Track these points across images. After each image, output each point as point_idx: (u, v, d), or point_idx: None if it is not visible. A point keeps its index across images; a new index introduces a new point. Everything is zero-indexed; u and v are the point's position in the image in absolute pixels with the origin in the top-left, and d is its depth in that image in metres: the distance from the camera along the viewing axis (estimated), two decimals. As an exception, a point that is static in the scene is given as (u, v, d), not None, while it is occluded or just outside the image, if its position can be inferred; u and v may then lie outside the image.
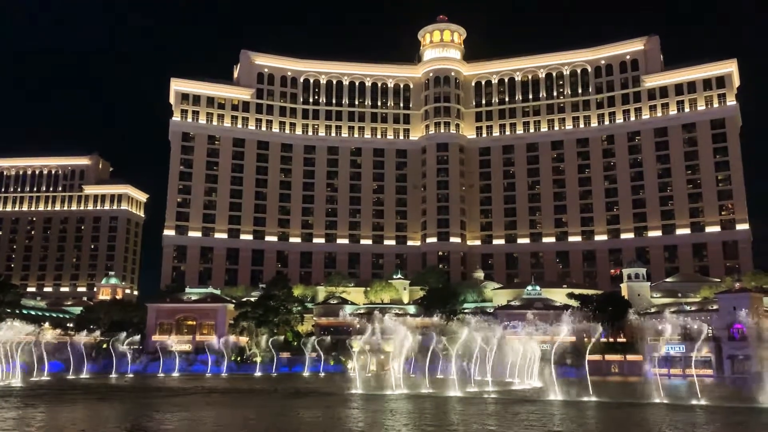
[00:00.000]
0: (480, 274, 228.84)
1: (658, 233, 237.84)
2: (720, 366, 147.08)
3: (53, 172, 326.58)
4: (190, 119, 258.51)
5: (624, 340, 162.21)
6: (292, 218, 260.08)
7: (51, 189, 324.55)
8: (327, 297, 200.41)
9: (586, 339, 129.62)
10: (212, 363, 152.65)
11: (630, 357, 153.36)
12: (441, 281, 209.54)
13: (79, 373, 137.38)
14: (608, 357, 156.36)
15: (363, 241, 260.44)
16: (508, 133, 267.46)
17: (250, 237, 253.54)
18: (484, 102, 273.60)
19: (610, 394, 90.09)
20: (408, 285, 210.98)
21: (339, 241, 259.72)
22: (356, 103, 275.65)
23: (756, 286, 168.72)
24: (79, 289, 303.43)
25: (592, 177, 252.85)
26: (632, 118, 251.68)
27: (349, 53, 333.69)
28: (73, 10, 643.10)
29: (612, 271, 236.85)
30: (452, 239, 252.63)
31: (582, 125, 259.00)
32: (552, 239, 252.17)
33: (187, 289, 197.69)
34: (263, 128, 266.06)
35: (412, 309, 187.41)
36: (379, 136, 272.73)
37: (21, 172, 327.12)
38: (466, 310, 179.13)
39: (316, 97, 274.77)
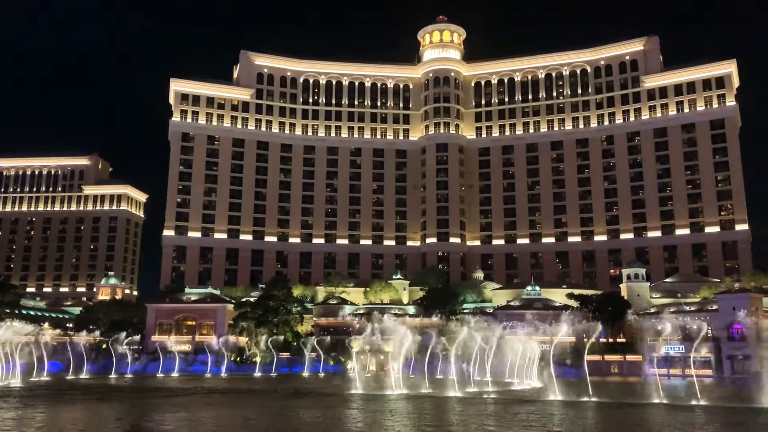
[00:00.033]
0: (479, 275, 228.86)
1: (657, 233, 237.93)
2: (719, 366, 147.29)
3: (53, 172, 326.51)
4: (189, 119, 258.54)
5: (623, 340, 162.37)
6: (291, 218, 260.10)
7: (50, 189, 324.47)
8: (326, 297, 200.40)
9: (585, 339, 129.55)
10: (212, 363, 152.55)
11: (629, 357, 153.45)
12: (440, 281, 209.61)
13: (78, 373, 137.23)
14: (608, 357, 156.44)
15: (362, 242, 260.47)
16: (507, 133, 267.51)
17: (249, 237, 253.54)
18: (483, 102, 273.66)
19: (609, 394, 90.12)
20: (407, 285, 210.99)
21: (338, 241, 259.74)
22: (356, 103, 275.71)
23: (755, 287, 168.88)
24: (79, 290, 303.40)
25: (592, 177, 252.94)
26: (632, 119, 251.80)
27: (349, 53, 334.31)
28: (73, 10, 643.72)
29: (611, 271, 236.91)
30: (452, 239, 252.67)
31: (581, 125, 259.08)
32: (551, 239, 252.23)
33: (187, 290, 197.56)
34: (263, 128, 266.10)
35: (411, 309, 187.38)
36: (378, 137, 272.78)
37: (20, 172, 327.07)
38: (465, 311, 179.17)
39: (316, 98, 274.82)
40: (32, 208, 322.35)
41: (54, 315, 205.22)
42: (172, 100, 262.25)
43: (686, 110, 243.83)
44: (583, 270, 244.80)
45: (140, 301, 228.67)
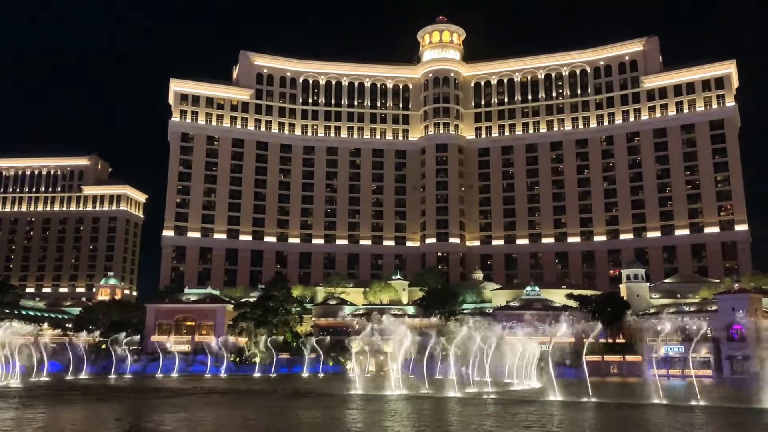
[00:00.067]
0: (479, 275, 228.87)
1: (657, 234, 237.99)
2: (719, 366, 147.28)
3: (52, 172, 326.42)
4: (189, 120, 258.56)
5: (623, 340, 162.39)
6: (291, 219, 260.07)
7: (50, 189, 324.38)
8: (326, 298, 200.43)
9: (585, 340, 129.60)
10: (211, 364, 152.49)
11: (629, 358, 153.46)
12: (440, 282, 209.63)
13: (78, 373, 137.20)
14: (607, 358, 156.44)
15: (362, 242, 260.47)
16: (507, 133, 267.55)
17: (249, 237, 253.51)
18: (483, 103, 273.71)
19: (609, 394, 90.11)
20: (407, 286, 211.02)
21: (338, 241, 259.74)
22: (355, 103, 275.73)
23: (755, 287, 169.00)
24: (78, 290, 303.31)
25: (591, 178, 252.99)
26: (631, 119, 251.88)
27: (348, 53, 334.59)
28: (73, 10, 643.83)
29: (611, 271, 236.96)
30: (451, 240, 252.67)
31: (581, 126, 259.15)
32: (551, 240, 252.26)
33: (186, 290, 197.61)
34: (262, 129, 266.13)
35: (411, 310, 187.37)
36: (378, 137, 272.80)
37: (20, 173, 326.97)
38: (465, 311, 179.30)
39: (316, 98, 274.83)
40: (31, 209, 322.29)
41: (53, 315, 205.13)
42: (171, 101, 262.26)
43: (686, 111, 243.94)
44: (583, 270, 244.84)
45: (140, 301, 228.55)
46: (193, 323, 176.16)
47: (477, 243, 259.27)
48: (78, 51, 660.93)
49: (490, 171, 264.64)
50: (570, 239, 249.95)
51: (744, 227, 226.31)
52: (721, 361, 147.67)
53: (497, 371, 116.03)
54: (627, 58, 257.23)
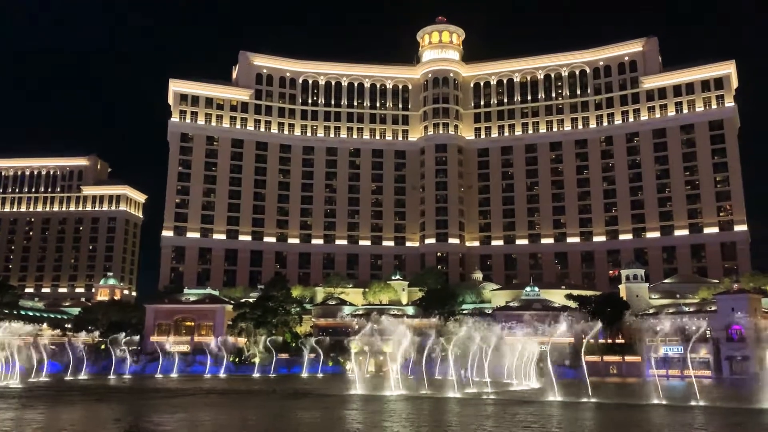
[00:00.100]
0: (478, 275, 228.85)
1: (656, 234, 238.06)
2: (718, 367, 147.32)
3: (51, 172, 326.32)
4: (188, 120, 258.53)
5: (622, 341, 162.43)
6: (290, 219, 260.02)
7: (49, 190, 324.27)
8: (325, 298, 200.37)
9: (584, 340, 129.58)
10: (210, 364, 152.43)
11: (628, 358, 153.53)
12: (439, 282, 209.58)
13: (77, 374, 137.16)
14: (607, 358, 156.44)
15: (362, 242, 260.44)
16: (506, 134, 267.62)
17: (248, 238, 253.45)
18: (482, 103, 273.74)
19: (608, 395, 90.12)
20: (407, 286, 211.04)
21: (338, 242, 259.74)
22: (355, 104, 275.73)
23: (754, 288, 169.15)
24: (78, 290, 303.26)
25: (591, 178, 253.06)
26: (631, 120, 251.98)
27: (348, 54, 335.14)
28: (73, 10, 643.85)
29: (610, 272, 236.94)
30: (451, 240, 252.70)
31: (580, 126, 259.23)
32: (550, 240, 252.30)
33: (186, 290, 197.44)
34: (262, 129, 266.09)
35: (410, 310, 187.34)
36: (377, 137, 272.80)
37: (19, 173, 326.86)
38: (464, 311, 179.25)
39: (315, 98, 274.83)
40: (31, 209, 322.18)
41: (52, 315, 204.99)
42: (171, 101, 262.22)
43: (685, 111, 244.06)
44: (582, 271, 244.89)
45: (139, 301, 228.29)
46: (193, 323, 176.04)
47: (476, 243, 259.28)
48: (78, 51, 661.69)
49: (490, 171, 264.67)
50: (569, 239, 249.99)
51: (743, 227, 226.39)
52: (721, 362, 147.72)
53: (497, 372, 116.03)
54: (626, 58, 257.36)
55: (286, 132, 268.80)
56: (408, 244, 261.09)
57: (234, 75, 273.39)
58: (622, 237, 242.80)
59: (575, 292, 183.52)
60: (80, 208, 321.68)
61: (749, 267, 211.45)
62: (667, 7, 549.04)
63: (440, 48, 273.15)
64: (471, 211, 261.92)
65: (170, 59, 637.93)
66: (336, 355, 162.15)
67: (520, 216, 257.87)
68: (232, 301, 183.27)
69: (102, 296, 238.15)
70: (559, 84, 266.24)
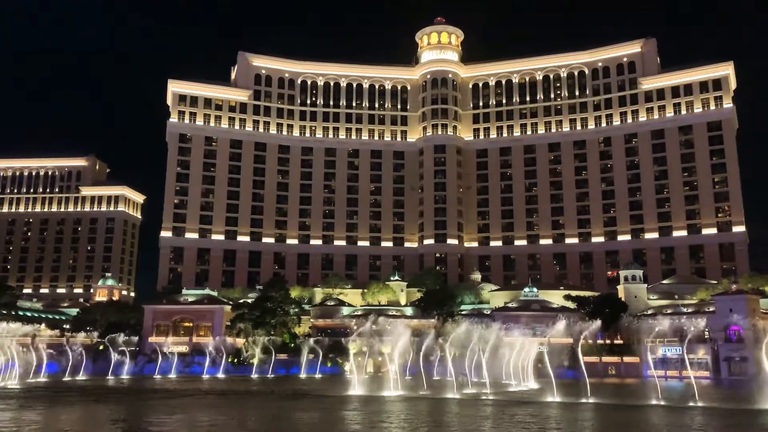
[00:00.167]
0: (477, 276, 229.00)
1: (654, 235, 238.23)
2: (717, 368, 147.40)
3: (50, 173, 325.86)
4: (187, 120, 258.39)
5: (621, 342, 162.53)
6: (289, 220, 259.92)
7: (48, 190, 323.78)
8: (324, 299, 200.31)
9: (582, 340, 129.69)
10: (209, 365, 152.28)
11: (627, 359, 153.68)
12: (438, 283, 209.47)
13: (75, 374, 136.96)
14: (605, 359, 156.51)
15: (360, 243, 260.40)
16: (505, 134, 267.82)
17: (247, 238, 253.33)
18: (481, 104, 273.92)
19: (607, 395, 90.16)
20: (405, 287, 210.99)
21: (336, 242, 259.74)
22: (354, 104, 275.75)
23: (752, 288, 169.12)
24: (76, 291, 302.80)
25: (589, 179, 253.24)
26: (629, 121, 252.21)
27: (348, 54, 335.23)
28: (73, 10, 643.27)
29: (609, 273, 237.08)
30: (449, 241, 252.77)
31: (579, 127, 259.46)
32: (549, 241, 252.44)
33: (184, 291, 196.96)
34: (260, 130, 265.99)
35: (409, 311, 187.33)
36: (376, 138, 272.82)
37: (17, 173, 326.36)
38: (463, 312, 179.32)
39: (314, 99, 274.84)
40: (29, 209, 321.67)
41: (51, 316, 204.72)
42: (169, 101, 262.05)
43: (683, 112, 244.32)
44: (581, 271, 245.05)
45: (137, 302, 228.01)
46: (191, 324, 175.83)
47: (475, 244, 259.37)
48: (78, 51, 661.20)
49: (489, 172, 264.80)
50: (568, 240, 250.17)
51: (741, 228, 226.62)
52: (719, 363, 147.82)
53: (495, 372, 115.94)
54: (625, 59, 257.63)
55: (284, 132, 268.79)
56: (407, 244, 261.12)
57: (233, 76, 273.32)
58: (620, 238, 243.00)
59: (574, 293, 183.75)
60: (79, 209, 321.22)
61: (747, 268, 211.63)
62: (666, 7, 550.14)
63: (439, 49, 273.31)
64: (470, 211, 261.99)
65: (170, 59, 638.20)
66: (334, 356, 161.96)
67: (518, 217, 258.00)
68: (231, 302, 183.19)
69: (100, 297, 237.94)
70: (558, 85, 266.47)
